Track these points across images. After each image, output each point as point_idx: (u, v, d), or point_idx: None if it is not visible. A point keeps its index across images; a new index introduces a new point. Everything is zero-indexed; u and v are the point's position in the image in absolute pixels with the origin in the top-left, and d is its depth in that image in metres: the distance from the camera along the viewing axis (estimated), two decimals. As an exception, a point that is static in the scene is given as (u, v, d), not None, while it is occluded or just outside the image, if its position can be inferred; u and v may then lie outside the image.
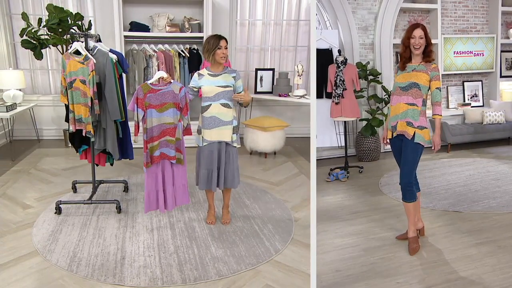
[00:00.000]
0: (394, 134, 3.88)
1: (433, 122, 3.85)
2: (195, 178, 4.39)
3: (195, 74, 4.23)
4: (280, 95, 7.68)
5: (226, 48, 4.14)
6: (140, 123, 4.06)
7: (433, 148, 3.83)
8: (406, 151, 3.80)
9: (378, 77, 6.94)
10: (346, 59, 6.14)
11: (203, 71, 4.22)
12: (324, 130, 7.08)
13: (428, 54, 3.79)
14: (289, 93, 7.71)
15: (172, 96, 4.08)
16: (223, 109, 4.17)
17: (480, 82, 8.37)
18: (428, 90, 3.82)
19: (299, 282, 3.40)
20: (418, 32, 3.73)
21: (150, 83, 4.04)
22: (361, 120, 6.94)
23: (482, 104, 8.33)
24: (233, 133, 4.24)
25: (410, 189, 3.82)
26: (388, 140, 4.01)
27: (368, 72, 6.84)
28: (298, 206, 4.97)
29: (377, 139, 6.96)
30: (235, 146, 4.30)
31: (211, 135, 4.20)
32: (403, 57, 3.84)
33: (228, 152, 4.27)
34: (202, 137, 4.23)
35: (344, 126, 6.46)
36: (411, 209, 3.88)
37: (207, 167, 4.23)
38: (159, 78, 4.08)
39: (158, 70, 7.53)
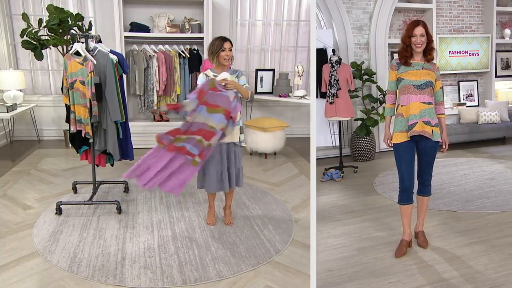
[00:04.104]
0: (410, 134, 3.70)
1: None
2: (196, 181, 4.42)
3: (202, 76, 4.19)
4: (280, 96, 7.73)
5: (231, 50, 4.15)
6: (187, 114, 3.90)
7: (444, 147, 3.80)
8: (428, 151, 3.77)
9: (373, 77, 6.99)
10: (340, 59, 6.16)
11: (208, 72, 4.20)
12: (319, 129, 7.10)
13: (429, 52, 3.73)
14: (289, 94, 7.76)
15: (227, 103, 3.96)
16: None
17: (475, 82, 8.42)
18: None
19: (299, 283, 3.45)
20: (419, 30, 3.65)
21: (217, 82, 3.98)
22: (356, 120, 6.99)
23: (477, 104, 8.38)
24: (240, 133, 4.29)
25: (430, 184, 3.92)
26: (393, 143, 3.84)
27: (363, 71, 6.87)
28: (298, 207, 5.02)
29: (372, 139, 7.01)
30: (242, 146, 4.36)
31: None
32: (404, 56, 3.75)
33: (235, 152, 4.32)
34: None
35: (339, 126, 6.50)
36: (426, 206, 3.99)
37: (216, 169, 4.24)
38: (223, 79, 4.05)
39: (159, 71, 7.60)
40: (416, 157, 3.86)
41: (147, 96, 7.71)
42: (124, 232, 4.31)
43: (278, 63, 8.82)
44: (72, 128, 4.74)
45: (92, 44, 4.76)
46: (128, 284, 3.39)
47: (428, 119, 3.70)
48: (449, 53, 8.02)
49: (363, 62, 6.94)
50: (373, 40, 7.39)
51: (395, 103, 3.90)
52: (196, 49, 7.89)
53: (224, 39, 4.16)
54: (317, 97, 6.87)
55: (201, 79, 4.19)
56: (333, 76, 6.07)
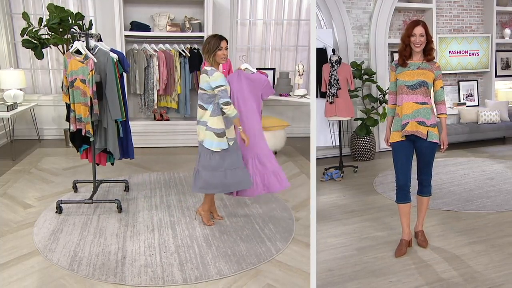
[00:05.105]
0: (402, 134, 3.75)
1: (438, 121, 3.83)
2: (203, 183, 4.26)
3: (219, 74, 4.06)
4: (281, 95, 7.73)
5: (227, 48, 4.14)
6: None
7: (442, 147, 3.81)
8: (425, 151, 3.77)
9: (373, 77, 7.00)
10: (340, 58, 6.16)
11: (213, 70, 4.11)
12: (319, 129, 7.12)
13: (428, 52, 3.74)
14: (290, 93, 7.76)
15: None
16: None
17: (475, 81, 8.44)
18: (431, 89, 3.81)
19: (300, 281, 3.45)
20: (419, 30, 3.67)
21: None
22: (356, 119, 7.00)
23: (477, 104, 8.39)
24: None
25: (429, 184, 3.92)
26: (389, 142, 3.90)
27: (362, 71, 6.88)
28: (299, 206, 5.03)
29: (372, 139, 7.01)
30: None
31: (233, 133, 4.23)
32: (403, 55, 3.77)
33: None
34: (227, 137, 4.16)
35: (339, 126, 6.51)
36: (426, 206, 4.00)
37: (234, 167, 4.21)
38: None
39: (159, 70, 7.61)
40: (415, 157, 3.88)
41: (147, 95, 7.72)
42: (125, 231, 4.31)
43: (279, 62, 8.83)
44: (72, 127, 4.74)
45: (92, 42, 4.76)
46: (129, 282, 3.39)
47: (422, 119, 3.71)
48: (449, 53, 8.03)
49: (363, 62, 6.95)
50: (373, 40, 7.40)
51: (395, 104, 3.92)
52: (196, 48, 7.89)
53: (220, 38, 4.12)
54: (317, 96, 6.87)
55: (223, 78, 4.05)
56: (333, 76, 6.07)
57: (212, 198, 4.51)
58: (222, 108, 4.06)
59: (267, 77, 4.45)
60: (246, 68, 4.47)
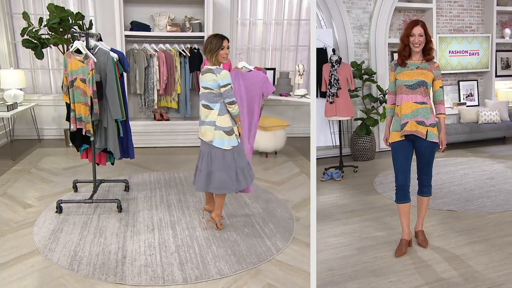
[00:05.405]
0: (401, 134, 3.75)
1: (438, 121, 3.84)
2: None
3: (227, 72, 4.05)
4: (281, 95, 7.73)
5: (228, 48, 4.14)
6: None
7: (440, 147, 3.81)
8: (424, 151, 3.77)
9: (373, 77, 6.99)
10: (340, 58, 6.16)
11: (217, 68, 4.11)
12: (319, 129, 7.11)
13: (428, 52, 3.74)
14: (290, 93, 7.76)
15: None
16: None
17: (476, 81, 8.44)
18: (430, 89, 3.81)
19: (300, 281, 3.45)
20: (418, 30, 3.67)
21: None
22: (356, 119, 7.00)
23: (477, 104, 8.39)
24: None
25: (429, 184, 3.92)
26: (389, 142, 3.90)
27: (363, 71, 6.88)
28: (299, 205, 5.03)
29: (372, 139, 7.01)
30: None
31: (237, 131, 4.24)
32: (402, 55, 3.77)
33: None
34: (236, 135, 4.17)
35: (339, 126, 6.51)
36: (426, 206, 3.99)
37: (242, 164, 4.22)
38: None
39: (159, 70, 7.61)
40: (415, 157, 3.87)
41: (147, 95, 7.72)
42: (125, 231, 4.31)
43: (279, 62, 8.83)
44: (72, 126, 4.74)
45: (92, 42, 4.76)
46: (129, 282, 3.39)
47: (421, 119, 3.71)
48: (449, 52, 8.03)
49: (363, 62, 6.94)
50: (373, 39, 7.40)
51: (395, 103, 3.92)
52: (196, 48, 7.89)
53: (222, 37, 4.11)
54: (317, 96, 6.87)
55: (230, 77, 4.08)
56: (333, 76, 6.07)
57: (223, 199, 4.38)
58: (226, 107, 4.08)
59: (265, 73, 4.42)
60: (243, 66, 4.48)
